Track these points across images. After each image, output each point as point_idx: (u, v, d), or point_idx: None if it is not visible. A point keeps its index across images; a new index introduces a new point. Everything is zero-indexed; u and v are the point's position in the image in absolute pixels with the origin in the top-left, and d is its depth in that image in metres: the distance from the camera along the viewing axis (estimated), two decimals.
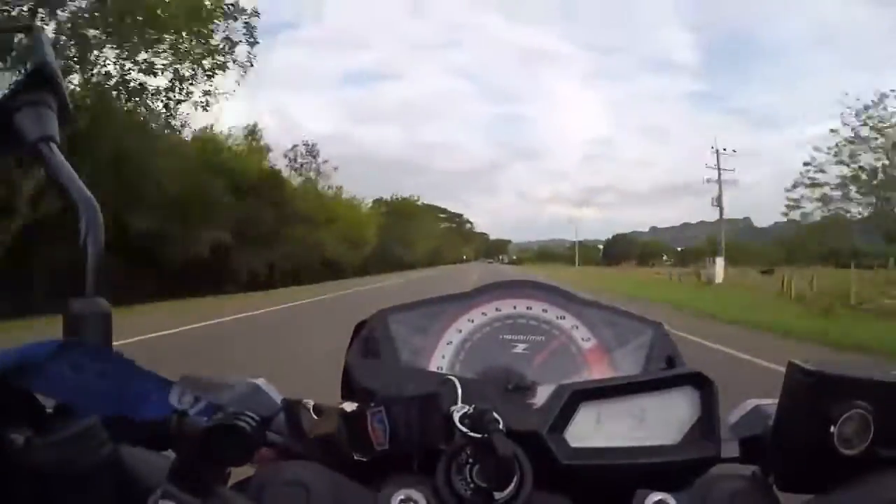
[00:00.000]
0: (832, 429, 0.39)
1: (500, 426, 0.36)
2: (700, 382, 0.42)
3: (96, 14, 13.86)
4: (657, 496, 0.38)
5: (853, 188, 18.28)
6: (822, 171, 18.89)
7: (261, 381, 0.47)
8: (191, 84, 16.28)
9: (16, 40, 0.49)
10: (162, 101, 16.32)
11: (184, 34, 15.54)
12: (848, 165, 18.11)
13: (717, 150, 35.71)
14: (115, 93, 15.45)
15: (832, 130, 18.24)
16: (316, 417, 0.40)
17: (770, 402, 0.45)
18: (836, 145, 18.18)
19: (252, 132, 27.32)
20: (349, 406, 0.39)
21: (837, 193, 18.79)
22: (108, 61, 14.88)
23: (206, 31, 16.01)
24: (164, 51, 15.58)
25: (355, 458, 0.39)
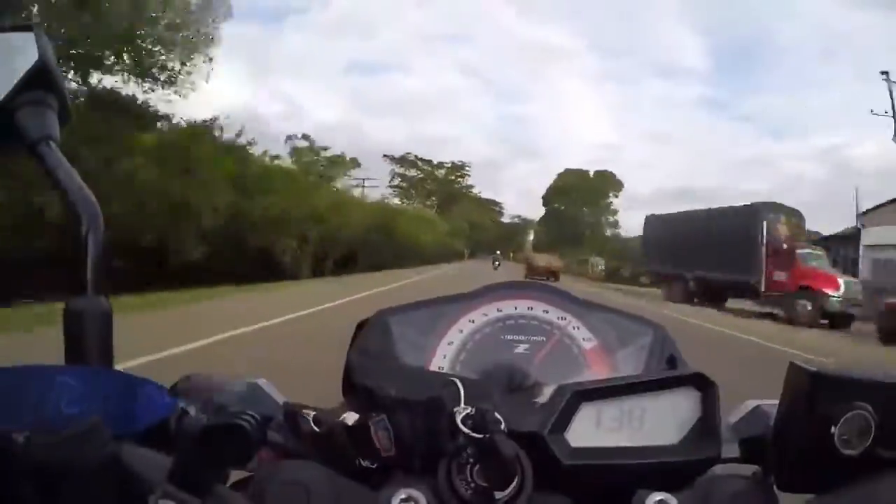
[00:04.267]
0: (833, 429, 0.39)
1: (502, 427, 0.37)
2: (701, 383, 0.42)
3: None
4: (658, 496, 0.38)
5: None
6: None
7: (262, 382, 0.47)
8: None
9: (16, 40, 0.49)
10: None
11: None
12: None
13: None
14: None
15: None
16: (317, 429, 0.40)
17: (770, 403, 0.45)
18: None
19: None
20: (350, 417, 0.39)
21: None
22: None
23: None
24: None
25: (362, 464, 0.39)
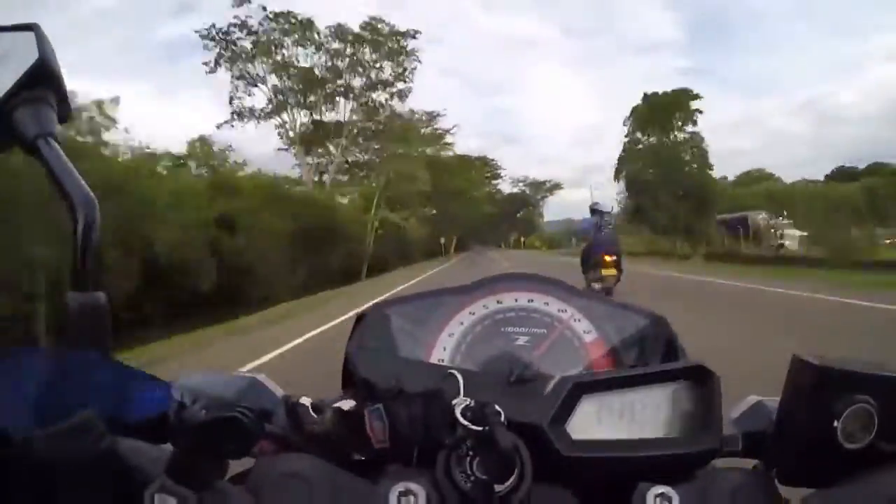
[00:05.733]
0: (835, 423, 0.39)
1: (502, 418, 0.37)
2: (702, 375, 0.42)
3: None
4: (658, 489, 0.38)
5: None
6: None
7: (261, 376, 0.47)
8: None
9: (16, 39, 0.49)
10: None
11: None
12: None
13: None
14: None
15: None
16: (315, 416, 0.40)
17: (772, 399, 0.45)
18: None
19: None
20: (346, 404, 0.39)
21: None
22: None
23: None
24: None
25: (355, 457, 0.39)
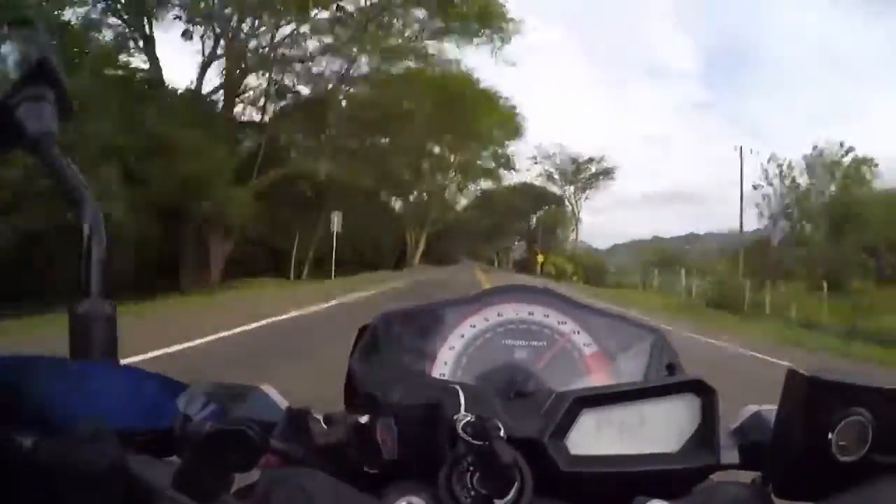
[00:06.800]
0: (830, 435, 0.39)
1: (502, 433, 0.37)
2: (700, 389, 0.43)
3: None
4: (655, 503, 0.39)
5: None
6: None
7: (266, 388, 0.47)
8: None
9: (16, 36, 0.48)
10: None
11: None
12: None
13: None
14: None
15: None
16: (326, 427, 0.40)
17: (770, 409, 0.45)
18: None
19: None
20: (362, 417, 0.39)
21: None
22: None
23: None
24: None
25: (365, 469, 0.39)
